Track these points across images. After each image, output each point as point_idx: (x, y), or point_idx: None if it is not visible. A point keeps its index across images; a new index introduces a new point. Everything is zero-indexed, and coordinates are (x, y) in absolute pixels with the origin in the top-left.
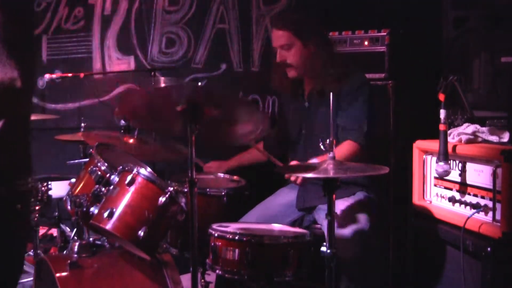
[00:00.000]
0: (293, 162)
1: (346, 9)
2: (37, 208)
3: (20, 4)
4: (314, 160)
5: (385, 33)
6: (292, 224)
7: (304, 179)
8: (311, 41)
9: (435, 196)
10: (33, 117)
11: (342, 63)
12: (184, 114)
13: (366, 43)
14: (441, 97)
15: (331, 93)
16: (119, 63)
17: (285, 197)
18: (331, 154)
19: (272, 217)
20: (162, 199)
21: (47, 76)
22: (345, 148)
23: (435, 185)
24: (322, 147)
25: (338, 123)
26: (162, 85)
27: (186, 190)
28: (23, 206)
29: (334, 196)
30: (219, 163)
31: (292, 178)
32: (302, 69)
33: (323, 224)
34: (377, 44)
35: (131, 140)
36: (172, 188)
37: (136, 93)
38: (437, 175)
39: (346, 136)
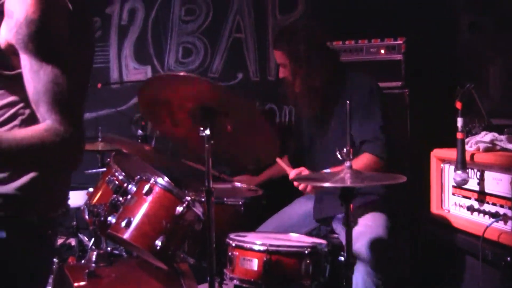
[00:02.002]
0: (305, 172)
1: (362, 17)
2: None
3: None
4: (327, 171)
5: (401, 42)
6: (310, 233)
7: (314, 188)
8: (301, 59)
9: (453, 205)
10: None
11: (345, 70)
12: (197, 117)
13: (382, 51)
14: (458, 105)
15: (347, 102)
16: (136, 72)
17: (302, 207)
18: (347, 163)
19: (290, 227)
20: (179, 209)
21: None
22: (361, 161)
23: (453, 194)
24: (339, 156)
25: (353, 135)
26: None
27: (203, 199)
28: (53, 231)
29: (351, 205)
30: (249, 177)
31: (301, 187)
32: (300, 85)
33: (341, 233)
34: (394, 52)
35: (149, 150)
36: (189, 198)
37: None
38: (455, 184)
39: (364, 149)
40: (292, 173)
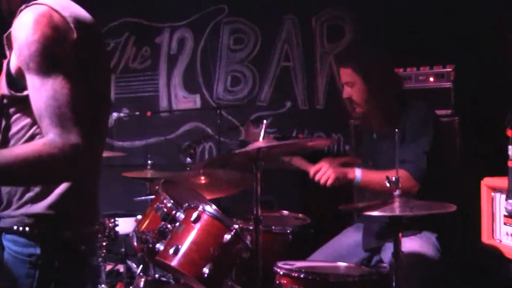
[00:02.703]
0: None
1: (411, 45)
2: (104, 244)
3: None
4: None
5: (450, 69)
6: (360, 264)
7: (336, 180)
8: (372, 78)
9: (505, 234)
10: None
11: (406, 98)
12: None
13: (431, 79)
14: (509, 132)
15: (396, 129)
16: (185, 101)
17: (352, 236)
18: (397, 192)
19: (339, 256)
20: (227, 237)
21: (115, 114)
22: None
23: (504, 224)
24: (387, 184)
25: (398, 156)
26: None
27: (251, 227)
28: (87, 247)
29: (400, 234)
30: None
31: (322, 181)
32: (365, 105)
33: (390, 262)
34: (443, 80)
35: (197, 178)
36: (237, 226)
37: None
38: (506, 213)
39: (401, 166)
40: (312, 170)
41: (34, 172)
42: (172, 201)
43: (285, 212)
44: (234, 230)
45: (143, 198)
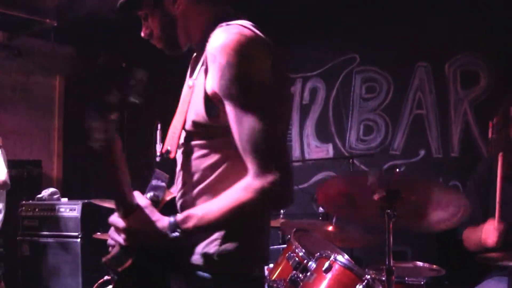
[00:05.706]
0: None
1: None
2: None
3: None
4: None
5: None
6: None
7: None
8: None
9: None
10: None
11: None
12: (381, 202)
13: None
14: None
15: None
16: (318, 150)
17: None
18: None
19: None
20: (359, 287)
21: None
22: None
23: None
24: None
25: None
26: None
27: (383, 278)
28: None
29: None
30: None
31: None
32: None
33: None
34: None
35: (329, 227)
36: (369, 276)
37: (334, 180)
38: None
39: None
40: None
41: (238, 218)
42: (304, 250)
43: (419, 263)
44: (366, 281)
45: (275, 247)
